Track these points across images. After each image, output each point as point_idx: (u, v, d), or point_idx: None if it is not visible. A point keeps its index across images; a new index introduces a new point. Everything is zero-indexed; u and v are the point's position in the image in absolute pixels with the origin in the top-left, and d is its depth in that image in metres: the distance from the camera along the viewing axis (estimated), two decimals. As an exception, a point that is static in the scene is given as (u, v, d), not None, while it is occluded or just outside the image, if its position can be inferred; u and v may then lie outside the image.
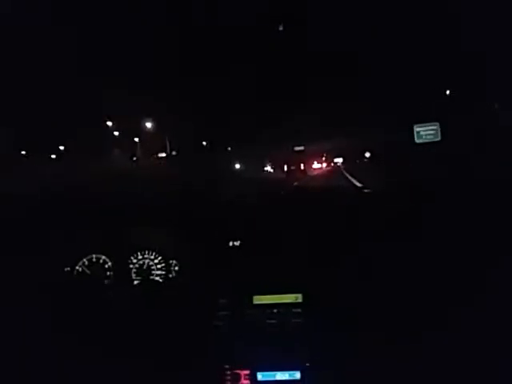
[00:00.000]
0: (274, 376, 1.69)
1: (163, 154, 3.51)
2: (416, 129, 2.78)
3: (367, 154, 3.60)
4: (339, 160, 3.79)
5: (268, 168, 3.88)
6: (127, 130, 3.47)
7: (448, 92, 3.19)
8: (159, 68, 2.81)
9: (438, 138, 2.73)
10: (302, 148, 3.57)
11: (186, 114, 3.12)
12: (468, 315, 1.59)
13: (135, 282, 2.01)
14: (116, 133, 3.43)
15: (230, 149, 3.58)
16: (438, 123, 2.76)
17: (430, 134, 2.76)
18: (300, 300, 1.77)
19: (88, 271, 2.01)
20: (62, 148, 3.37)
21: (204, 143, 3.54)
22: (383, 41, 2.88)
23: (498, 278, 1.64)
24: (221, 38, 2.70)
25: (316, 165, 3.71)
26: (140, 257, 2.03)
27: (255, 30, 2.69)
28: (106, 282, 2.00)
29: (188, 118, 3.17)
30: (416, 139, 2.77)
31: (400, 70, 2.98)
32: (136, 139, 3.55)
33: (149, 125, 3.36)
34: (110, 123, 3.38)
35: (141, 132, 3.48)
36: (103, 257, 2.02)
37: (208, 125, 3.25)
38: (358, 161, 3.72)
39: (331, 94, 3.14)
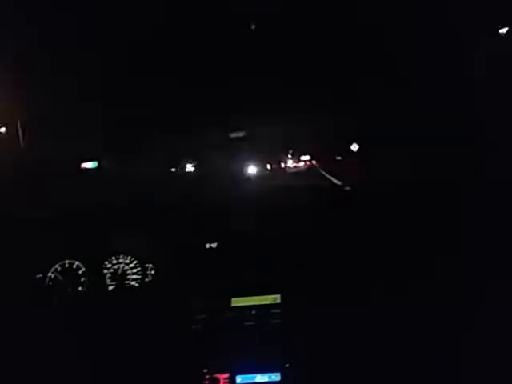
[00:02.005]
0: (254, 378, 1.67)
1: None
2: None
3: (354, 147, 3.04)
4: (306, 158, 3.35)
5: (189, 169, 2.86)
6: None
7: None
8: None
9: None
10: (241, 134, 2.46)
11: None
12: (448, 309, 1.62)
13: (110, 288, 1.97)
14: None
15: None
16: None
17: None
18: (278, 301, 1.76)
19: (61, 277, 1.95)
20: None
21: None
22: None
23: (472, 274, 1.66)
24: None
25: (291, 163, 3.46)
26: (115, 261, 1.98)
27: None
28: (79, 288, 1.95)
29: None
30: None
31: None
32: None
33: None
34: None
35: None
36: (76, 262, 1.97)
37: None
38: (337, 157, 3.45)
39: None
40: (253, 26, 2.21)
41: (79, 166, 2.51)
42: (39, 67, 2.13)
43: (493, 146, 2.01)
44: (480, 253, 1.67)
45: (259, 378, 1.67)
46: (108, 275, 1.97)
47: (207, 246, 1.94)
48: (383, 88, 2.40)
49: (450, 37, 2.08)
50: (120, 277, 1.97)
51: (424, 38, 2.10)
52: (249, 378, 1.67)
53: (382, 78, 2.37)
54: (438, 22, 2.04)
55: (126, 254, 1.98)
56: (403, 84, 2.35)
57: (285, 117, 2.49)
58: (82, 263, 1.96)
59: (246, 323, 1.73)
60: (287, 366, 1.66)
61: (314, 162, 3.64)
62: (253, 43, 2.21)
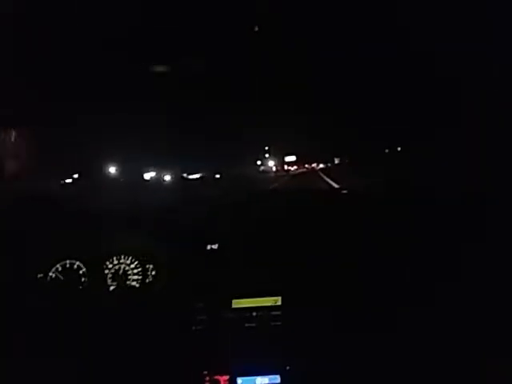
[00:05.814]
0: (254, 381, 1.67)
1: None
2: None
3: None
4: (291, 158, 3.41)
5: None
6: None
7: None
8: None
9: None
10: None
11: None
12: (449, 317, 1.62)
13: (111, 288, 1.97)
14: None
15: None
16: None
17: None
18: (279, 303, 1.76)
19: (62, 277, 1.95)
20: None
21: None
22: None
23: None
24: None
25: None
26: (115, 262, 1.98)
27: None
28: (80, 288, 1.95)
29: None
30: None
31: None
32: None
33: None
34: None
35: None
36: (77, 262, 1.97)
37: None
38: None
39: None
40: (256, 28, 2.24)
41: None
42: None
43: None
44: (477, 256, 1.69)
45: (259, 380, 1.67)
46: (109, 275, 1.97)
47: (208, 247, 1.94)
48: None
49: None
50: (121, 277, 1.96)
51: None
52: (249, 380, 1.67)
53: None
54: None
55: (126, 254, 1.98)
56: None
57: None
58: (83, 263, 1.96)
59: (246, 325, 1.73)
60: (287, 368, 1.66)
61: (314, 165, 3.67)
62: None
